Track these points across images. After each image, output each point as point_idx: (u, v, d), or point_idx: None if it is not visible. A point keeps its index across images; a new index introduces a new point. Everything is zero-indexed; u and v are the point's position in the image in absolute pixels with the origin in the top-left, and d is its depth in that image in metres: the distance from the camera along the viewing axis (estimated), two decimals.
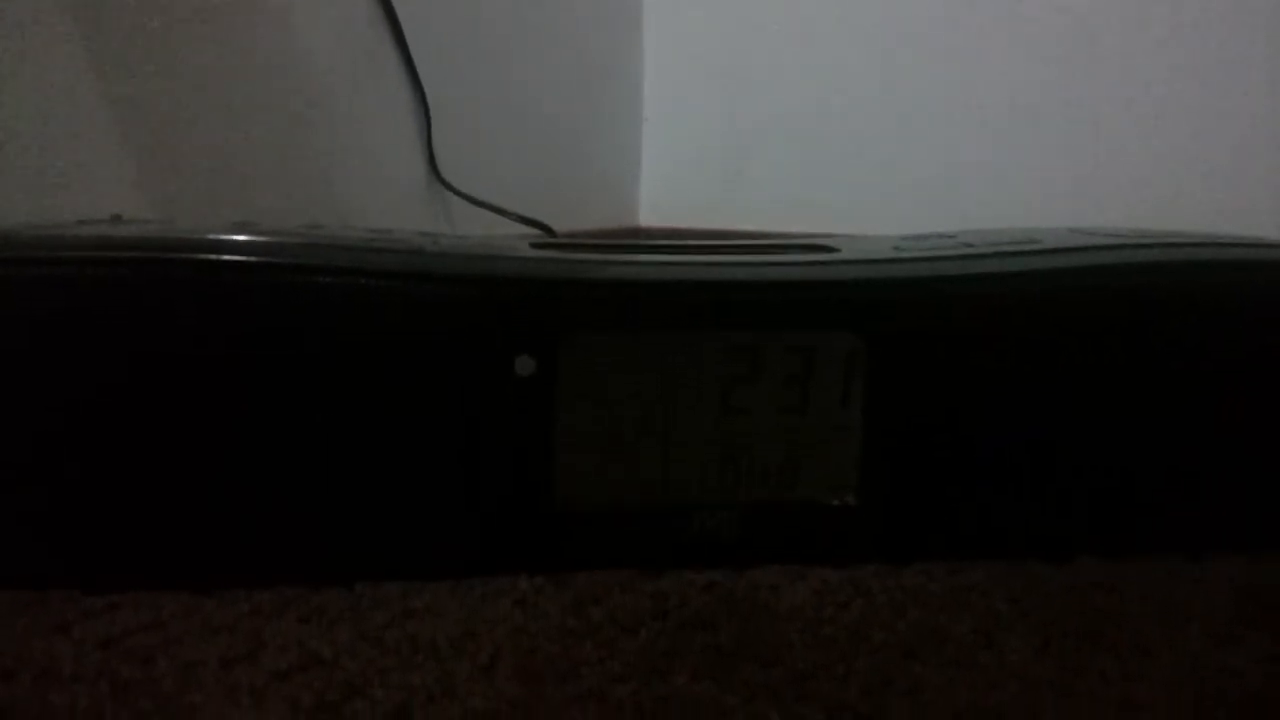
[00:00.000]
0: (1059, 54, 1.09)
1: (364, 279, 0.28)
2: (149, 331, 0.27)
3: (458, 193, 0.96)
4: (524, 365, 0.29)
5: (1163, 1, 1.02)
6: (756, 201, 1.33)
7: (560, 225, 1.05)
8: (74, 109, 0.56)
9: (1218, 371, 0.31)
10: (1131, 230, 0.36)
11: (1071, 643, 0.27)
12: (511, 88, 1.07)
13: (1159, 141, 1.03)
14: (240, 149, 0.70)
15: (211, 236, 0.29)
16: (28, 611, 0.26)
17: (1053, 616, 0.28)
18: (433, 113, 0.92)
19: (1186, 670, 0.26)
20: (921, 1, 1.19)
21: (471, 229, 0.97)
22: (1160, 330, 0.31)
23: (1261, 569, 0.31)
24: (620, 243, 0.39)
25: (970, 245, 0.33)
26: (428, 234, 0.35)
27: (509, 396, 0.29)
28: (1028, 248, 0.32)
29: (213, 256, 0.28)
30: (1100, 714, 0.24)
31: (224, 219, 0.41)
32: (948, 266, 0.31)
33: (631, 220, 1.41)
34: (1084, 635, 0.27)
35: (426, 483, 0.29)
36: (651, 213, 1.42)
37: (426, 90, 0.90)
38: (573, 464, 0.29)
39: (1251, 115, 0.98)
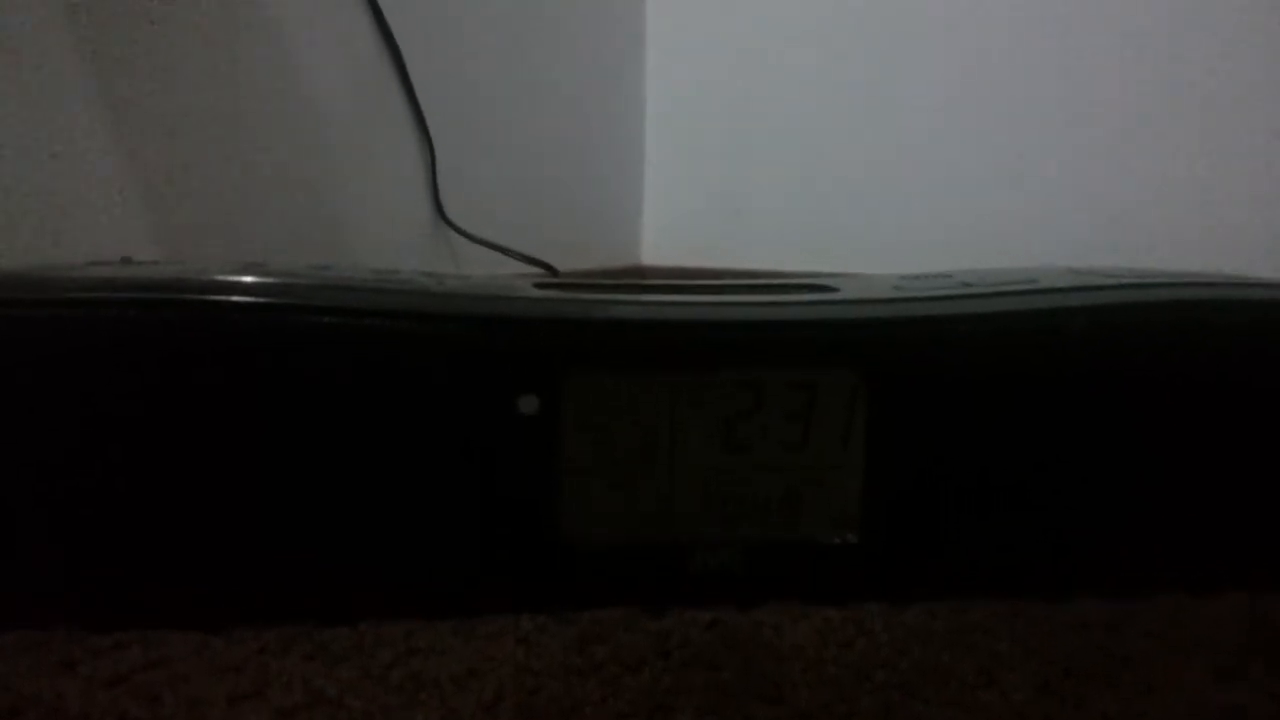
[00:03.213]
0: (1060, 96, 1.10)
1: (370, 319, 0.28)
2: (157, 372, 0.27)
3: (462, 233, 0.96)
4: (528, 404, 0.29)
5: (1164, 38, 1.03)
6: (757, 241, 1.33)
7: (563, 264, 1.05)
8: (80, 150, 0.57)
9: (1218, 409, 0.31)
10: (1130, 270, 0.36)
11: (1074, 681, 0.27)
12: (515, 129, 1.08)
13: (1159, 182, 1.04)
14: (245, 189, 0.71)
15: (219, 278, 0.29)
16: (34, 650, 0.27)
17: (1055, 655, 0.28)
18: (438, 153, 0.93)
19: (1190, 707, 0.26)
20: (922, 43, 1.20)
21: (476, 268, 0.98)
22: (1160, 368, 0.31)
23: (1264, 605, 0.31)
24: (623, 282, 0.39)
25: (969, 284, 0.34)
26: (433, 274, 0.35)
27: (513, 435, 0.29)
28: (1026, 287, 0.33)
29: (220, 298, 0.28)
30: None
31: (232, 260, 0.41)
32: (946, 306, 0.31)
33: (634, 259, 1.42)
34: (1087, 674, 0.27)
35: (431, 521, 0.29)
36: (653, 252, 1.43)
37: (432, 131, 0.91)
38: (576, 502, 0.29)
39: (1252, 150, 0.99)
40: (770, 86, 1.32)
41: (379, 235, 0.86)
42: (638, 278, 1.35)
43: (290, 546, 0.29)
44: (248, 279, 0.29)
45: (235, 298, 0.28)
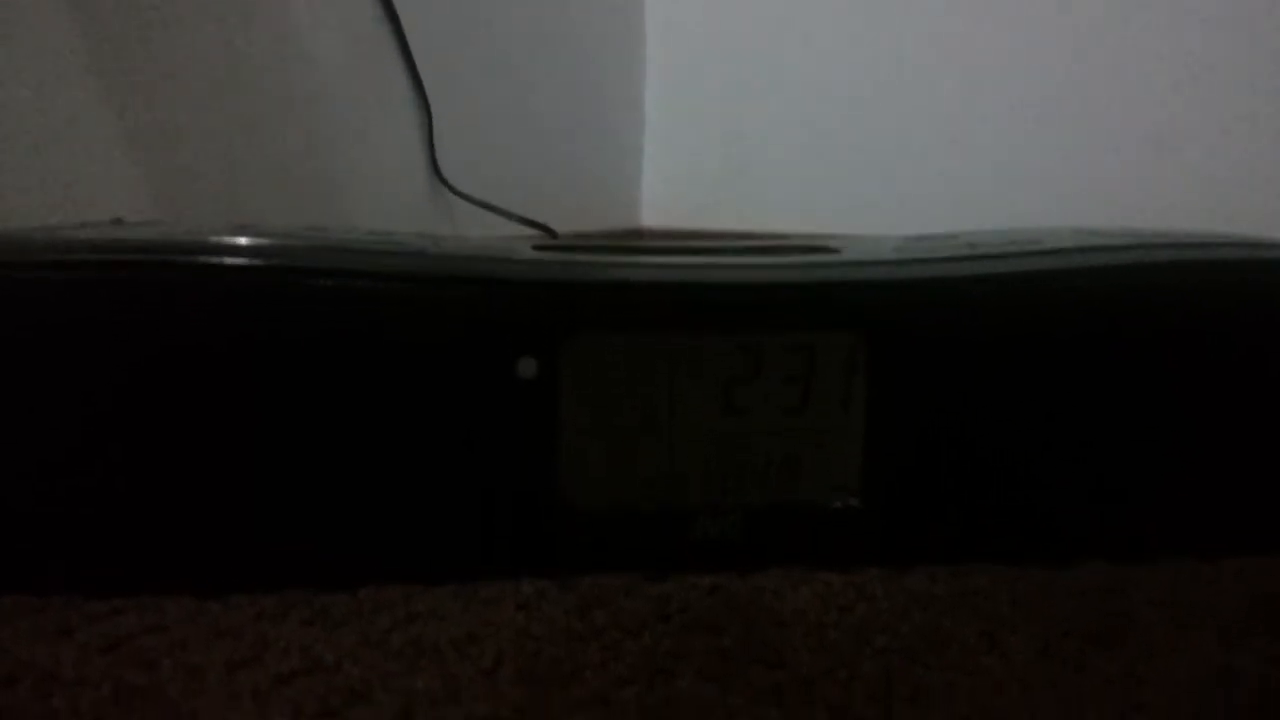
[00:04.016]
0: (1064, 58, 1.09)
1: (365, 281, 0.28)
2: (150, 334, 0.27)
3: (459, 194, 0.96)
4: (526, 367, 0.28)
5: (1168, 10, 1.02)
6: (757, 202, 1.33)
7: (562, 226, 1.05)
8: (74, 111, 0.56)
9: (1227, 372, 0.31)
10: (1136, 231, 0.36)
11: (1076, 645, 0.27)
12: (513, 89, 1.08)
13: (1166, 143, 1.03)
14: (240, 150, 0.70)
15: (213, 239, 0.29)
16: (30, 615, 0.26)
17: (1057, 619, 0.28)
18: (434, 114, 0.92)
19: (1192, 671, 0.25)
20: (925, 6, 1.19)
21: (473, 230, 0.97)
22: (1167, 330, 0.31)
23: (1269, 569, 0.31)
24: (622, 244, 0.39)
25: (973, 246, 0.33)
26: (429, 236, 0.35)
27: (511, 398, 0.29)
28: (1032, 248, 0.32)
29: (214, 259, 0.28)
30: (1106, 717, 0.24)
31: (226, 221, 0.41)
32: (950, 267, 0.31)
33: (633, 221, 1.41)
34: (1089, 638, 0.27)
35: (429, 485, 0.29)
36: (653, 214, 1.43)
37: (428, 91, 0.91)
38: (575, 466, 0.29)
39: (1255, 118, 0.98)
40: (773, 44, 1.31)
41: (375, 197, 0.86)
42: (637, 239, 1.35)
43: (287, 511, 0.28)
44: (241, 240, 0.29)
45: (228, 259, 0.28)
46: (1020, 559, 0.31)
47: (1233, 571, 0.31)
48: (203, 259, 0.27)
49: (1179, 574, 0.30)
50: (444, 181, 0.94)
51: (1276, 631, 0.27)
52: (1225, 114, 0.99)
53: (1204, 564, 0.31)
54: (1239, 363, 0.31)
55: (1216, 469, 0.31)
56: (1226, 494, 0.32)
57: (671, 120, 1.41)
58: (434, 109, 0.92)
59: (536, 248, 0.34)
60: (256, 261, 0.28)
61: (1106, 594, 0.29)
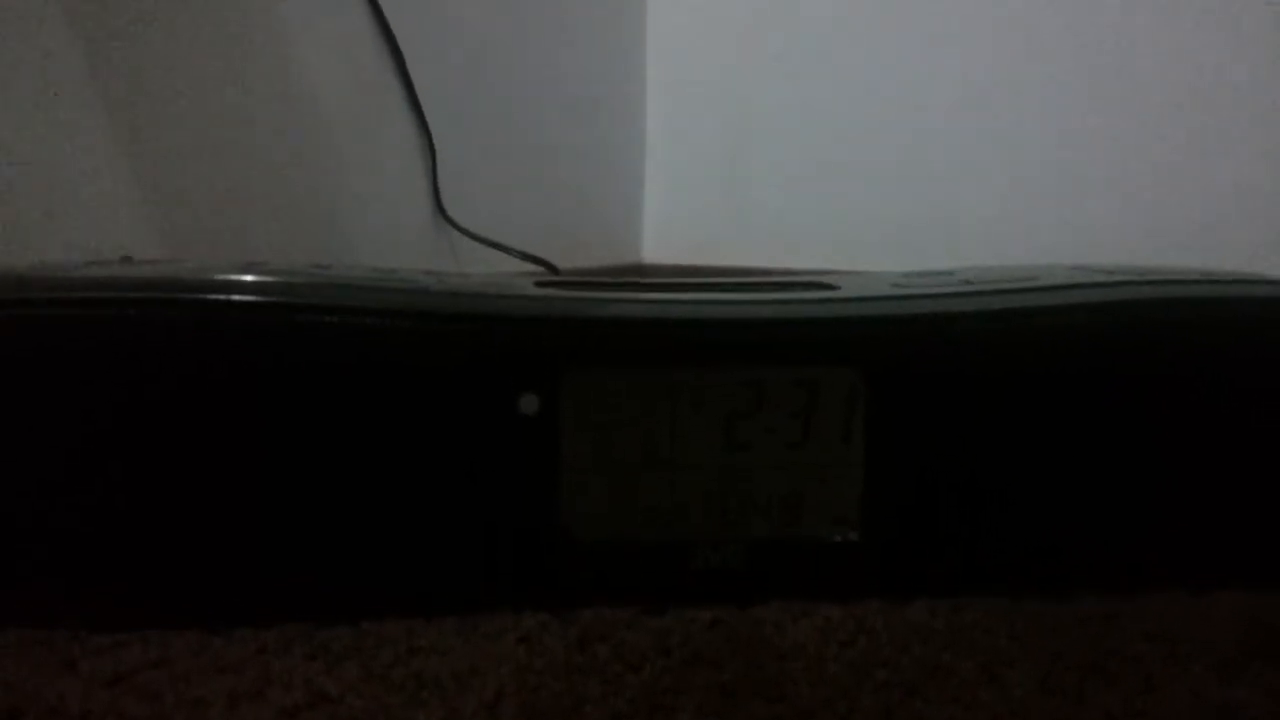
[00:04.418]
0: (1059, 97, 1.10)
1: (370, 318, 0.28)
2: (156, 371, 0.27)
3: (463, 231, 0.96)
4: (528, 403, 0.29)
5: (1167, 51, 1.03)
6: (758, 239, 1.33)
7: (564, 263, 1.05)
8: (82, 148, 0.57)
9: (1222, 406, 0.31)
10: (1131, 267, 0.36)
11: (1075, 678, 0.27)
12: (516, 127, 1.09)
13: (1161, 180, 1.04)
14: (245, 187, 0.71)
15: (219, 277, 0.29)
16: (34, 649, 0.27)
17: (1056, 652, 0.28)
18: (438, 151, 0.93)
19: (1190, 705, 0.26)
20: (922, 40, 1.20)
21: (476, 267, 0.98)
22: (1161, 365, 0.31)
23: (1265, 602, 0.31)
24: (623, 281, 0.39)
25: (969, 282, 0.34)
26: (433, 273, 0.35)
27: (513, 433, 0.29)
28: (1028, 284, 0.33)
29: (219, 297, 0.28)
30: None
31: (232, 259, 0.41)
32: (947, 303, 0.31)
33: (634, 257, 1.42)
34: (1087, 670, 0.27)
35: (432, 520, 0.29)
36: (654, 250, 1.43)
37: (432, 129, 0.91)
38: (577, 500, 0.29)
39: (1252, 156, 0.98)
40: (772, 83, 1.33)
41: (380, 233, 0.87)
42: (639, 276, 1.35)
43: (291, 546, 0.29)
44: (248, 278, 0.29)
45: (236, 297, 0.28)
46: (1019, 592, 0.31)
47: (1229, 604, 0.31)
48: (209, 296, 0.28)
49: (1176, 607, 0.31)
50: (448, 218, 0.95)
51: (1273, 664, 0.27)
52: (1226, 151, 1.00)
53: (1200, 597, 0.31)
54: (1234, 397, 0.31)
55: (1212, 502, 0.32)
56: (1222, 527, 0.32)
57: (672, 158, 1.42)
58: (438, 146, 0.92)
59: (539, 284, 0.34)
60: (263, 299, 0.28)
61: (1104, 627, 0.29)
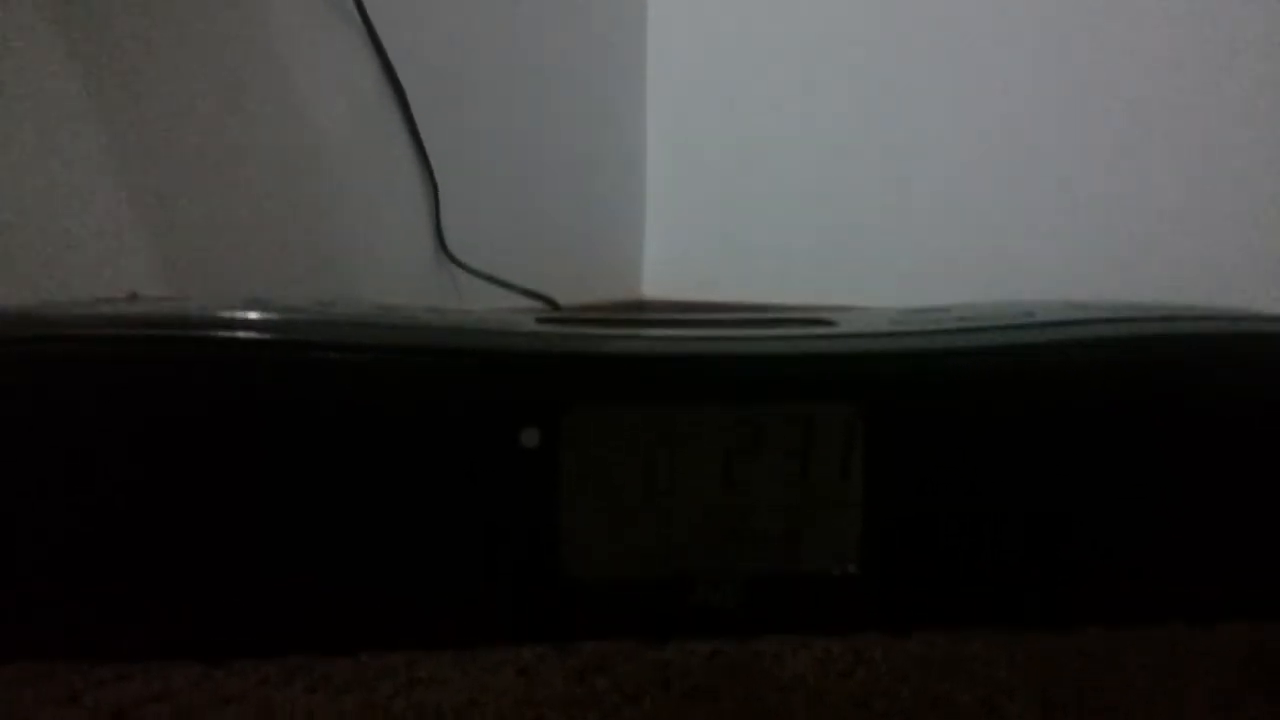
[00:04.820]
0: (1064, 138, 1.11)
1: (372, 354, 0.29)
2: (163, 408, 0.28)
3: (465, 267, 0.97)
4: (529, 438, 0.29)
5: (1175, 85, 1.04)
6: (758, 275, 1.34)
7: (565, 299, 1.06)
8: (83, 185, 0.58)
9: (1217, 442, 0.31)
10: (1128, 304, 0.37)
11: (1074, 711, 0.27)
12: (517, 164, 1.09)
13: (1166, 215, 1.05)
14: (249, 226, 0.71)
15: (224, 314, 0.30)
16: (37, 682, 0.27)
17: (1055, 685, 0.28)
18: (440, 188, 0.93)
19: None
20: (922, 78, 1.21)
21: (478, 303, 0.98)
22: (1158, 401, 0.31)
23: (1266, 635, 0.31)
24: (624, 317, 0.39)
25: (966, 319, 0.34)
26: (435, 309, 0.35)
27: (514, 468, 0.29)
28: (1024, 320, 0.33)
29: (224, 334, 0.28)
30: None
31: (236, 296, 0.42)
32: (945, 339, 0.32)
33: (635, 293, 1.42)
34: (1086, 703, 0.27)
35: (433, 554, 0.29)
36: (654, 286, 1.44)
37: (434, 166, 0.92)
38: (577, 535, 0.30)
39: (1253, 190, 0.99)
40: (772, 120, 1.34)
41: (382, 270, 0.87)
42: (639, 312, 1.36)
43: (293, 579, 0.29)
44: (252, 315, 0.30)
45: (240, 334, 0.28)
46: (1018, 624, 0.31)
47: (1229, 637, 0.31)
48: (214, 333, 0.28)
49: (1175, 639, 0.31)
50: (449, 255, 0.96)
51: (1273, 697, 0.27)
52: (1227, 189, 1.01)
53: (1200, 629, 0.31)
54: (1233, 432, 0.32)
55: (1212, 536, 0.32)
56: (1222, 560, 0.32)
57: (672, 195, 1.43)
58: (440, 183, 0.93)
59: (540, 320, 0.34)
60: (266, 336, 0.29)
61: (1104, 659, 0.30)
